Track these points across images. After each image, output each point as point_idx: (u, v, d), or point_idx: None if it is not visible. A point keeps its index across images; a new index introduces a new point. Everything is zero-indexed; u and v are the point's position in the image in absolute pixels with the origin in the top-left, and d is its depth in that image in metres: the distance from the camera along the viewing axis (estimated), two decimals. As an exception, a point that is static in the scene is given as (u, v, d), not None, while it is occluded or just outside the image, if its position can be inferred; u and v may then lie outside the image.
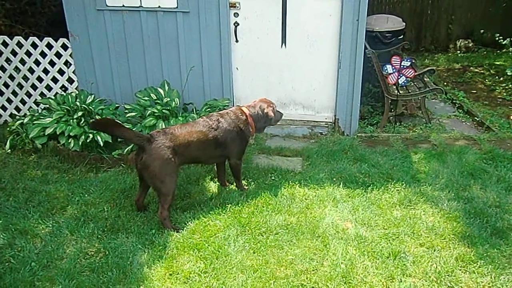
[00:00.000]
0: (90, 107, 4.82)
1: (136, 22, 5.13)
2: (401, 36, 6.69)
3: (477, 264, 3.00)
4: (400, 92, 5.60)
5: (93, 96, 5.09)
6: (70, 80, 5.53)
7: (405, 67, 5.32)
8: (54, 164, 4.54)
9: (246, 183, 4.12)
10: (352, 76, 5.02)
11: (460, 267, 2.98)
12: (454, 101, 6.60)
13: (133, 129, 4.10)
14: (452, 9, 10.22)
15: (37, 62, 5.49)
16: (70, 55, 5.39)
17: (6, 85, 5.63)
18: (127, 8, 5.07)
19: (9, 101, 5.70)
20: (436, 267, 2.97)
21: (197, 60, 5.20)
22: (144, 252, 3.17)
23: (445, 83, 7.67)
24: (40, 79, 5.56)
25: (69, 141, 4.57)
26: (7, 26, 6.75)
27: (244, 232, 3.36)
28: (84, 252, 3.19)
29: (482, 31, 9.51)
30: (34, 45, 5.42)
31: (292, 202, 3.77)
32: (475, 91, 7.23)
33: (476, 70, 8.55)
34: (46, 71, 5.51)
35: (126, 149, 4.56)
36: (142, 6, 5.04)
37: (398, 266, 2.99)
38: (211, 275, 2.93)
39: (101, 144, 4.55)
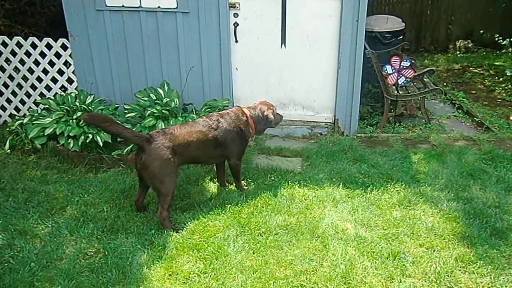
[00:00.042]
0: (90, 108, 4.82)
1: (136, 22, 5.13)
2: (401, 37, 6.69)
3: (477, 264, 3.00)
4: (400, 92, 5.60)
5: (92, 96, 5.08)
6: (70, 80, 5.53)
7: (404, 67, 5.32)
8: (54, 165, 4.54)
9: (245, 184, 4.12)
10: (352, 76, 5.03)
11: (460, 267, 2.98)
12: (453, 102, 6.60)
13: (133, 130, 4.09)
14: (451, 9, 10.22)
15: (36, 62, 5.48)
16: (70, 55, 5.39)
17: (5, 85, 5.62)
18: (126, 8, 5.07)
19: (8, 101, 5.70)
20: (436, 267, 2.97)
21: (196, 61, 5.20)
22: (143, 252, 3.17)
23: (445, 84, 7.67)
24: (39, 79, 5.56)
25: (69, 141, 4.57)
26: (6, 26, 6.75)
27: (243, 232, 3.36)
28: (84, 253, 3.19)
29: (481, 31, 9.52)
30: (34, 45, 5.42)
31: (291, 203, 3.77)
32: (474, 92, 7.23)
33: (475, 70, 8.55)
34: (45, 71, 5.51)
35: (126, 150, 4.56)
36: (141, 6, 5.04)
37: (398, 266, 2.99)
38: (210, 276, 2.93)
39: (101, 144, 4.55)
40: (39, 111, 5.17)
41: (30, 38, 5.43)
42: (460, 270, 2.96)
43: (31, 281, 2.90)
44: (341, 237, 3.31)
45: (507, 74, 6.95)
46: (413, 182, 4.10)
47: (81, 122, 4.66)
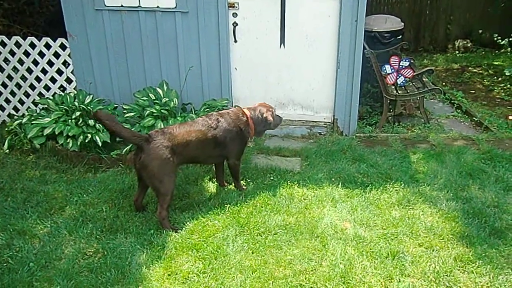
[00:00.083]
0: (89, 107, 4.81)
1: (135, 22, 5.12)
2: (400, 36, 6.69)
3: (476, 264, 3.00)
4: (399, 92, 5.60)
5: (91, 96, 5.08)
6: (69, 80, 5.52)
7: (403, 67, 5.32)
8: (53, 164, 4.53)
9: (244, 183, 4.12)
10: (351, 76, 5.03)
11: (459, 267, 2.99)
12: (452, 101, 6.60)
13: (132, 129, 4.09)
14: (450, 9, 10.23)
15: (35, 62, 5.47)
16: (69, 55, 5.38)
17: (4, 85, 5.62)
18: (125, 8, 5.06)
19: (7, 101, 5.69)
20: (435, 267, 2.97)
21: (195, 60, 5.20)
22: (142, 252, 3.17)
23: (444, 83, 7.68)
24: (38, 79, 5.55)
25: (68, 141, 4.56)
26: (5, 26, 6.74)
27: (242, 232, 3.36)
28: (83, 253, 3.18)
29: (480, 31, 9.52)
30: (33, 45, 5.41)
31: (290, 202, 3.77)
32: (473, 91, 7.24)
33: (474, 70, 8.56)
34: (44, 71, 5.50)
35: (125, 149, 4.56)
36: (140, 6, 5.03)
37: (397, 266, 2.99)
38: (209, 275, 2.93)
39: (100, 144, 4.55)
40: (38, 111, 5.16)
41: (28, 38, 5.42)
42: (459, 270, 2.96)
43: (30, 281, 2.90)
44: (340, 236, 3.31)
45: (506, 74, 6.95)
46: (412, 182, 4.10)
47: (80, 122, 4.66)
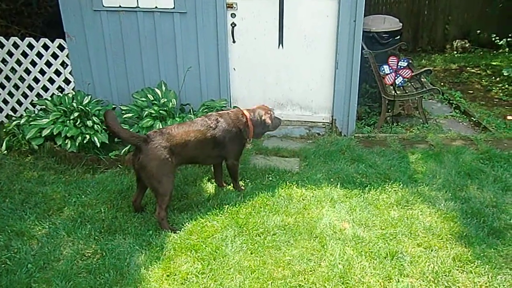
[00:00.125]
0: (87, 108, 4.81)
1: (133, 23, 5.12)
2: (398, 37, 6.69)
3: (474, 264, 3.00)
4: (397, 92, 5.61)
5: (89, 97, 5.07)
6: (67, 81, 5.51)
7: (402, 67, 5.32)
8: (51, 165, 4.52)
9: (243, 184, 4.12)
10: (349, 76, 5.03)
11: (457, 267, 2.99)
12: (451, 102, 6.61)
13: (130, 130, 4.09)
14: (449, 9, 10.24)
15: (33, 63, 5.46)
16: (67, 56, 5.37)
17: (2, 86, 5.60)
18: (124, 9, 5.05)
19: (5, 102, 5.67)
20: (434, 267, 2.97)
21: (194, 61, 5.20)
22: (141, 253, 3.16)
23: (442, 84, 7.69)
24: (36, 80, 5.53)
25: (66, 142, 4.55)
26: (3, 26, 6.72)
27: (241, 232, 3.36)
28: (81, 254, 3.18)
29: (478, 31, 9.54)
30: (30, 46, 5.39)
31: (289, 203, 3.76)
32: (471, 92, 7.25)
33: (472, 70, 8.57)
34: (42, 72, 5.49)
35: (123, 150, 4.55)
36: (139, 7, 5.03)
37: (396, 266, 2.99)
38: (208, 276, 2.92)
39: (98, 145, 4.54)
40: (36, 112, 5.15)
41: (26, 38, 5.40)
42: (457, 270, 2.96)
43: (28, 283, 2.89)
44: (339, 237, 3.31)
45: (504, 74, 6.97)
46: (411, 182, 4.10)
47: (78, 123, 4.65)
